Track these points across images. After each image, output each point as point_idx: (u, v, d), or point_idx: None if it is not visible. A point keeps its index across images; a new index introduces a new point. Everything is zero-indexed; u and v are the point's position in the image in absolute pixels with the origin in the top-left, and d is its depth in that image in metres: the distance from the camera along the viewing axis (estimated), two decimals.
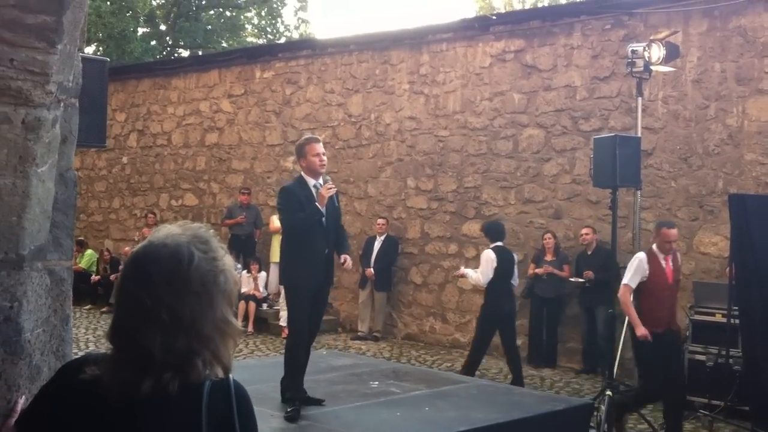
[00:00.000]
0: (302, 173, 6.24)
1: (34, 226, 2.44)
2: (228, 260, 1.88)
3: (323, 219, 6.08)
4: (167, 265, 1.77)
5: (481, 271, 8.90)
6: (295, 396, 5.95)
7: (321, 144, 6.25)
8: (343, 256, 6.29)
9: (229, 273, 1.85)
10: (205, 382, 1.76)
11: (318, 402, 6.05)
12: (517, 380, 8.83)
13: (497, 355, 11.40)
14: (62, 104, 2.49)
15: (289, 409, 5.82)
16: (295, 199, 6.07)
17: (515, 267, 9.30)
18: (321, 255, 6.12)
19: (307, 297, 6.08)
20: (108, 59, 4.33)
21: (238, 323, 1.89)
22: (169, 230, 1.86)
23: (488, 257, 8.83)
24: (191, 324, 1.75)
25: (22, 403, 2.28)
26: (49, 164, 2.46)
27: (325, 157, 6.19)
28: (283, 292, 8.85)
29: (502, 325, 8.97)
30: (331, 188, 6.09)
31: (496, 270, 8.78)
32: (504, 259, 8.87)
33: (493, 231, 9.22)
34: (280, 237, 13.47)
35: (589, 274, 10.03)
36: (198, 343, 1.76)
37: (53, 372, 2.41)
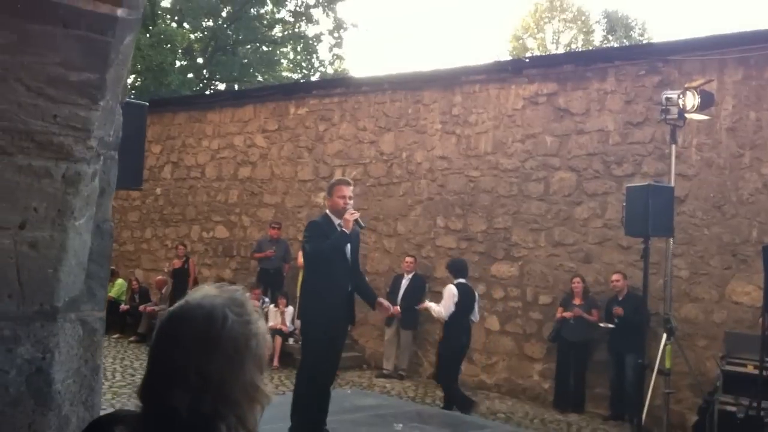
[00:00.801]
0: (327, 211, 6.47)
1: (70, 278, 2.48)
2: (262, 324, 1.88)
3: (347, 252, 6.21)
4: (200, 325, 1.78)
5: (444, 305, 9.49)
6: None
7: (351, 187, 6.43)
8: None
9: (262, 338, 1.85)
10: None
11: None
12: (455, 402, 9.56)
13: (524, 398, 11.30)
14: (102, 158, 2.54)
15: None
16: (322, 232, 6.25)
17: (476, 303, 9.92)
18: (344, 291, 6.23)
19: (326, 334, 6.13)
20: (147, 103, 4.40)
21: (268, 389, 1.89)
22: (206, 291, 1.88)
23: (451, 292, 9.44)
24: (219, 387, 1.76)
25: None
26: (86, 217, 2.50)
27: (351, 201, 6.35)
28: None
29: (458, 355, 9.73)
30: (354, 213, 6.26)
31: (458, 305, 9.40)
32: (465, 295, 9.52)
33: (457, 268, 9.90)
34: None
35: (619, 310, 9.93)
36: (224, 407, 1.76)
37: (82, 422, 2.43)
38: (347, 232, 6.21)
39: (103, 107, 2.36)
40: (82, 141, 2.35)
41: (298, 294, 13.66)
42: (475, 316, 9.99)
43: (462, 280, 9.67)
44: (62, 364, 2.48)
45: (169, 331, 1.81)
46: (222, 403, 1.75)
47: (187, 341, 1.76)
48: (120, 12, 2.22)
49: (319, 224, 6.39)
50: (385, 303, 6.55)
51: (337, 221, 6.32)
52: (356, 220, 6.31)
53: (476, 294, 10.09)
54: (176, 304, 1.89)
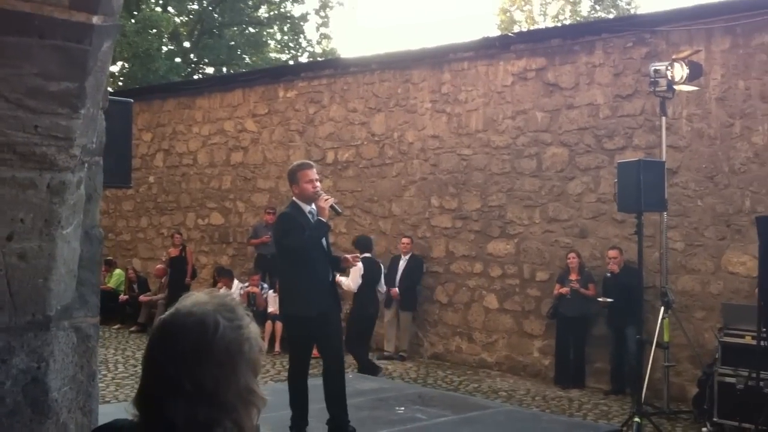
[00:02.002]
0: (295, 199, 6.10)
1: (60, 287, 2.48)
2: (254, 328, 1.88)
3: (323, 241, 5.97)
4: (192, 334, 1.78)
5: (351, 278, 10.47)
6: (301, 428, 5.98)
7: (314, 170, 6.09)
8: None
9: (255, 341, 1.85)
10: None
11: None
12: (364, 368, 10.23)
13: (525, 376, 11.37)
14: (86, 165, 2.53)
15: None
16: (296, 224, 5.91)
17: (382, 276, 11.04)
18: (326, 279, 6.00)
19: (310, 326, 5.91)
20: (132, 101, 4.37)
21: (263, 392, 1.89)
22: (197, 298, 1.87)
23: (357, 267, 9.94)
24: (214, 393, 1.76)
25: None
26: (74, 225, 2.50)
27: (318, 183, 6.04)
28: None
29: (366, 324, 10.67)
30: (328, 198, 5.95)
31: (363, 277, 10.46)
32: (370, 269, 10.57)
33: (362, 244, 10.97)
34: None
35: (604, 303, 10.03)
36: (220, 413, 1.77)
37: (80, 429, 2.44)
38: (324, 220, 5.90)
39: (84, 115, 2.35)
40: (65, 150, 2.34)
41: None
42: (382, 288, 11.11)
43: (367, 255, 10.56)
44: (58, 372, 2.49)
45: (161, 341, 1.82)
46: (218, 409, 1.76)
47: (179, 351, 1.77)
48: (95, 20, 2.20)
49: (291, 216, 5.98)
50: (345, 255, 6.33)
51: (307, 209, 5.98)
52: (332, 206, 6.00)
53: (382, 267, 11.19)
54: (167, 313, 1.90)
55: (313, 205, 5.95)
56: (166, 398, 1.75)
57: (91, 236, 2.68)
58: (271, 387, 9.43)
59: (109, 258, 16.70)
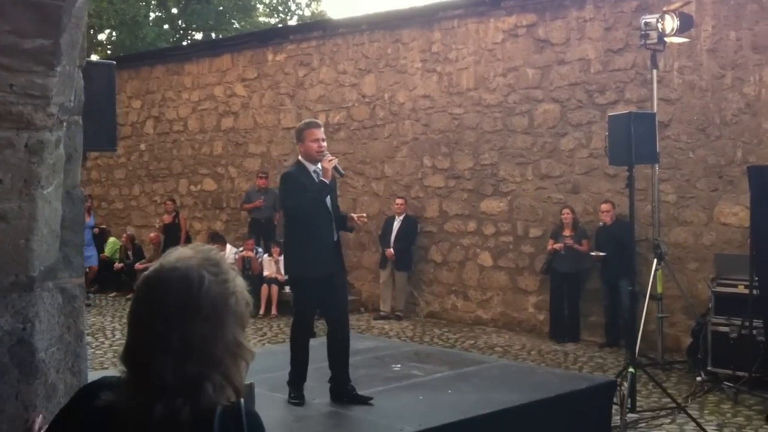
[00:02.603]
0: (300, 158, 6.03)
1: (43, 247, 2.46)
2: (239, 282, 1.88)
3: (327, 201, 5.90)
4: (177, 289, 1.78)
5: None
6: (299, 384, 5.90)
7: (321, 129, 6.02)
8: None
9: (241, 295, 1.85)
10: (216, 407, 1.77)
11: (366, 401, 5.84)
12: None
13: (520, 331, 11.44)
14: (65, 124, 2.50)
15: (293, 394, 5.86)
16: (299, 184, 5.86)
17: None
18: (330, 241, 5.93)
19: (315, 288, 5.88)
20: (114, 63, 4.31)
21: (251, 345, 1.89)
22: (180, 253, 1.86)
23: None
24: (202, 348, 1.76)
25: (39, 422, 2.31)
26: (54, 185, 2.48)
27: (324, 143, 5.96)
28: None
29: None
30: (332, 159, 5.85)
31: None
32: None
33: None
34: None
35: (598, 256, 10.05)
36: (209, 367, 1.77)
37: (70, 389, 2.44)
38: (326, 181, 5.83)
39: (60, 73, 2.32)
40: (42, 109, 2.31)
41: None
42: None
43: None
44: (44, 333, 2.48)
45: (146, 296, 1.81)
46: (206, 363, 1.76)
47: (165, 306, 1.76)
48: None
49: (294, 176, 5.93)
50: (351, 214, 6.24)
51: (312, 168, 5.93)
52: (335, 167, 5.92)
53: None
54: (151, 269, 1.89)
55: (319, 165, 5.88)
56: (153, 354, 1.74)
57: (73, 196, 2.66)
58: (268, 349, 9.49)
59: (102, 227, 16.70)
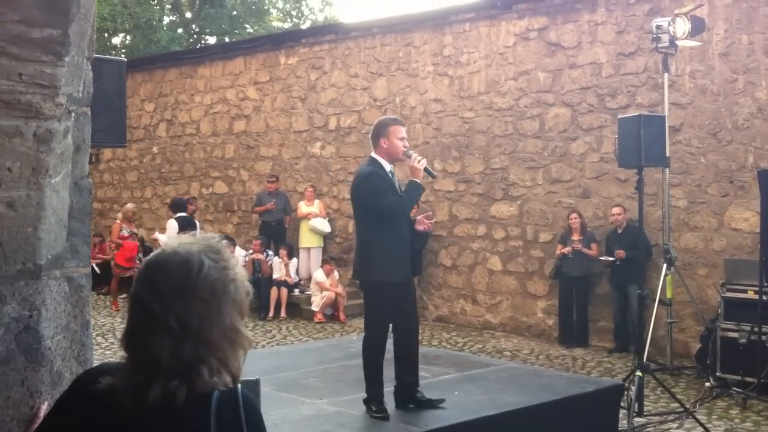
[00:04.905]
0: (375, 156, 5.64)
1: (50, 236, 2.48)
2: (240, 270, 1.90)
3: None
4: (176, 272, 1.80)
5: (167, 235, 11.93)
6: (380, 398, 5.58)
7: (405, 127, 5.74)
8: (419, 218, 5.68)
9: (241, 283, 1.87)
10: (213, 392, 1.79)
11: (436, 405, 5.68)
12: None
13: (529, 336, 11.42)
14: (73, 114, 2.53)
15: (375, 408, 5.55)
16: (387, 184, 5.53)
17: (197, 231, 11.79)
18: (408, 244, 5.63)
19: (395, 292, 5.56)
20: (125, 59, 4.35)
21: (249, 333, 1.91)
22: (182, 239, 1.90)
23: (171, 225, 12.21)
24: (199, 331, 1.78)
25: (44, 409, 2.33)
26: (62, 174, 2.50)
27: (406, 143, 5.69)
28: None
29: None
30: (421, 160, 5.53)
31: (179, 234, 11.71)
32: (184, 226, 11.88)
33: (176, 205, 13.00)
34: (307, 223, 13.57)
35: (621, 253, 9.93)
36: (205, 351, 1.79)
37: (75, 377, 2.46)
38: (418, 182, 5.52)
39: (68, 63, 2.34)
40: (51, 98, 2.33)
41: (300, 245, 13.80)
42: None
43: (182, 214, 12.54)
44: (50, 320, 2.50)
45: (146, 279, 1.84)
46: (203, 347, 1.78)
47: (164, 288, 1.79)
48: None
49: (381, 176, 5.53)
50: (418, 217, 5.74)
51: (388, 167, 5.57)
52: (425, 168, 5.58)
53: (197, 223, 12.87)
54: (153, 253, 1.92)
55: (392, 166, 5.61)
56: (151, 335, 1.77)
57: (81, 187, 2.68)
58: (276, 350, 9.52)
59: None
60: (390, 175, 5.59)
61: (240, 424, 1.80)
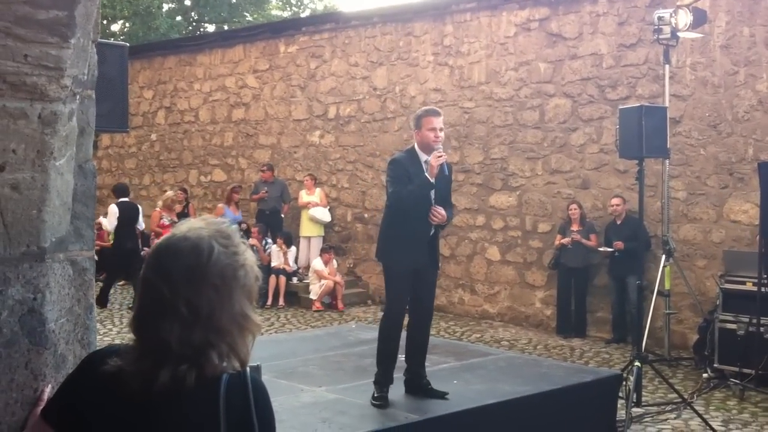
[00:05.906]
0: (415, 146, 5.70)
1: (55, 219, 2.48)
2: (250, 255, 1.89)
3: (432, 194, 5.57)
4: (187, 257, 1.80)
5: (108, 220, 12.62)
6: (384, 385, 5.66)
7: (441, 118, 5.68)
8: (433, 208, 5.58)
9: (250, 268, 1.87)
10: (222, 376, 1.79)
11: (441, 395, 5.72)
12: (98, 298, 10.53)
13: (527, 326, 11.44)
14: (78, 97, 2.52)
15: (376, 395, 5.60)
16: (404, 172, 5.56)
17: (139, 215, 12.75)
18: (425, 234, 5.64)
19: (406, 278, 5.62)
20: (127, 44, 4.34)
21: (258, 319, 1.90)
22: (192, 224, 1.89)
23: (113, 210, 12.49)
24: (209, 317, 1.78)
25: (48, 392, 2.33)
26: (67, 157, 2.49)
27: (441, 133, 5.64)
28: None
29: (126, 260, 12.22)
30: (440, 156, 5.51)
31: (119, 219, 12.35)
32: (126, 210, 12.42)
33: (119, 190, 13.06)
34: (307, 212, 13.50)
35: (620, 244, 9.94)
36: (215, 336, 1.79)
37: (79, 360, 2.46)
38: (431, 180, 5.48)
39: (74, 45, 2.33)
40: (56, 80, 2.32)
41: (300, 234, 13.80)
42: (141, 225, 12.77)
43: (124, 199, 12.69)
44: (54, 303, 2.50)
45: (156, 263, 1.83)
46: (212, 332, 1.78)
47: (174, 273, 1.78)
48: None
49: (401, 163, 5.60)
50: (434, 208, 5.65)
51: (424, 158, 5.58)
52: (441, 165, 5.52)
53: (139, 207, 13.01)
54: (162, 238, 1.91)
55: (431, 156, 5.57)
56: (161, 320, 1.77)
57: (85, 170, 2.67)
58: (274, 337, 9.52)
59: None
60: (424, 165, 5.57)
61: (249, 406, 1.80)
